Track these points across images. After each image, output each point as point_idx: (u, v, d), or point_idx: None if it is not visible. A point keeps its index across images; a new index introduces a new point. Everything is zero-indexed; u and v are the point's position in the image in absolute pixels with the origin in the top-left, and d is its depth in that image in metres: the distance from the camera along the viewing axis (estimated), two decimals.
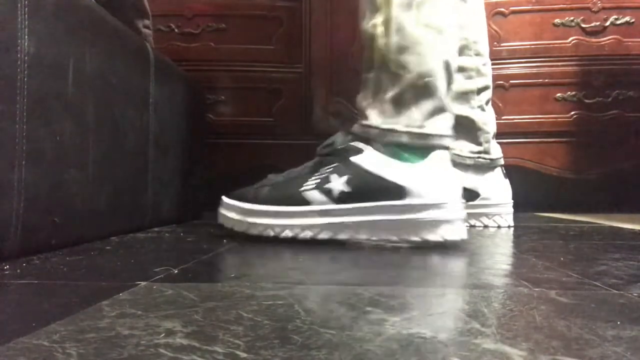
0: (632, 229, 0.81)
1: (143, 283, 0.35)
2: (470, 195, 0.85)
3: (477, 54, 0.94)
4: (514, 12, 1.30)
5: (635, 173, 1.31)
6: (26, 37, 0.45)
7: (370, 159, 0.59)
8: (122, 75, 0.66)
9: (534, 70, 1.30)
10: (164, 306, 0.29)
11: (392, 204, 0.58)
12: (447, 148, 0.61)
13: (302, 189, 0.60)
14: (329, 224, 0.59)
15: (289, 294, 0.32)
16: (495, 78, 1.29)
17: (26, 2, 0.45)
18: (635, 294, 0.33)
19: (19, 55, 0.45)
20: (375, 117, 0.60)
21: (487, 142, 0.92)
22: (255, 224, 0.60)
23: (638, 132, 1.27)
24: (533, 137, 1.30)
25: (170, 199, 0.85)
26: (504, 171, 0.94)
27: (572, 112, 1.29)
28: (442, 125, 0.61)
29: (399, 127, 0.59)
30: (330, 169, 0.60)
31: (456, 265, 0.46)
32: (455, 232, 0.58)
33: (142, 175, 0.74)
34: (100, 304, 0.29)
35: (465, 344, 0.23)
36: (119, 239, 0.62)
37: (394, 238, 0.58)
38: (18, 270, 0.40)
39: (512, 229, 0.85)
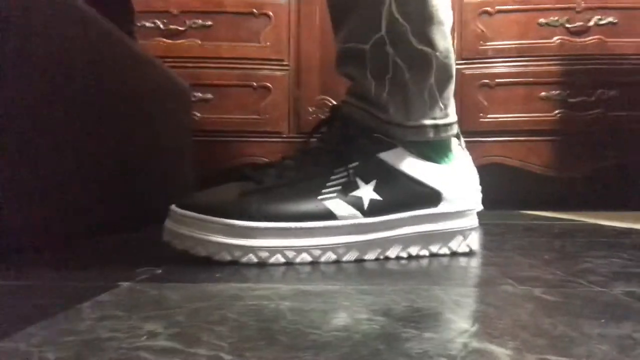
0: (614, 227, 0.82)
1: (126, 283, 0.35)
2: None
3: None
4: (499, 11, 1.31)
5: (618, 171, 1.33)
6: None
7: (404, 158, 0.48)
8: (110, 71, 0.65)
9: (519, 69, 1.31)
10: (146, 307, 0.28)
11: (429, 212, 0.49)
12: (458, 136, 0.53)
13: (322, 196, 0.46)
14: (357, 242, 0.46)
15: (275, 294, 0.32)
16: (481, 77, 1.31)
17: None
18: (619, 292, 0.33)
19: None
20: (397, 112, 0.49)
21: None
22: (257, 248, 0.43)
23: (620, 131, 1.29)
24: (518, 135, 1.31)
25: (157, 197, 0.84)
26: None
27: (556, 111, 1.31)
28: (454, 109, 0.52)
29: (426, 121, 0.49)
30: (352, 170, 0.47)
31: (439, 263, 0.46)
32: (477, 241, 0.52)
33: (123, 173, 0.73)
34: (82, 305, 0.29)
35: (451, 343, 0.23)
36: (104, 238, 0.61)
37: (424, 252, 0.49)
38: None
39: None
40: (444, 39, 0.48)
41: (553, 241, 0.63)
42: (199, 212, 0.43)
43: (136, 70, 0.76)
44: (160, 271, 0.40)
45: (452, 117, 0.51)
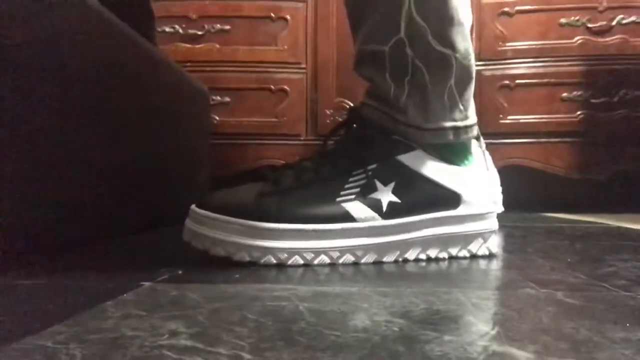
0: (639, 230, 0.81)
1: (147, 283, 0.35)
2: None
3: None
4: (519, 12, 1.29)
5: None
6: None
7: (424, 160, 0.48)
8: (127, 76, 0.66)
9: (540, 70, 1.29)
10: (167, 307, 0.29)
11: (448, 215, 0.48)
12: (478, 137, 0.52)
13: (340, 198, 0.46)
14: (375, 244, 0.46)
15: (294, 295, 0.32)
16: (500, 78, 1.29)
17: None
18: None
19: None
20: (416, 114, 0.48)
21: None
22: (276, 249, 0.44)
23: None
24: (539, 137, 1.29)
25: (173, 200, 0.85)
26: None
27: (578, 112, 1.28)
28: (474, 111, 0.52)
29: (446, 123, 0.49)
30: (371, 172, 0.47)
31: (459, 265, 0.45)
32: (498, 243, 0.52)
33: (147, 174, 0.74)
34: (105, 304, 0.29)
35: (471, 346, 0.22)
36: (125, 239, 0.62)
37: (444, 255, 0.49)
38: (24, 270, 0.40)
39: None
40: (464, 40, 0.48)
41: (575, 244, 0.62)
42: (218, 213, 0.44)
43: (155, 75, 0.77)
44: (180, 272, 0.40)
45: (472, 119, 0.51)
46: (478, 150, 0.51)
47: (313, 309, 0.29)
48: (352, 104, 1.27)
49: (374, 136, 0.48)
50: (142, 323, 0.25)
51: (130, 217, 0.68)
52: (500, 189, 0.53)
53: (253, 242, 0.43)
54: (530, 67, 1.29)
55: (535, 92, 1.29)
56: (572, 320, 0.27)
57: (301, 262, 0.44)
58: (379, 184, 0.46)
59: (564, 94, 1.28)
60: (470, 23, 0.49)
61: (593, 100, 1.27)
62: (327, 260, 0.44)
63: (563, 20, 1.29)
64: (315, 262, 0.44)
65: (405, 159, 0.48)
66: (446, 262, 0.47)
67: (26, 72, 0.45)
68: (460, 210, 0.49)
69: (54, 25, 0.49)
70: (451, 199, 0.48)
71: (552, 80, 1.29)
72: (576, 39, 1.28)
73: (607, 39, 1.28)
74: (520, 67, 1.30)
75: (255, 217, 0.44)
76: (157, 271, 0.40)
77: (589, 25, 1.28)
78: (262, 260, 0.43)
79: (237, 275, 0.39)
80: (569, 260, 0.49)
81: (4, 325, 0.26)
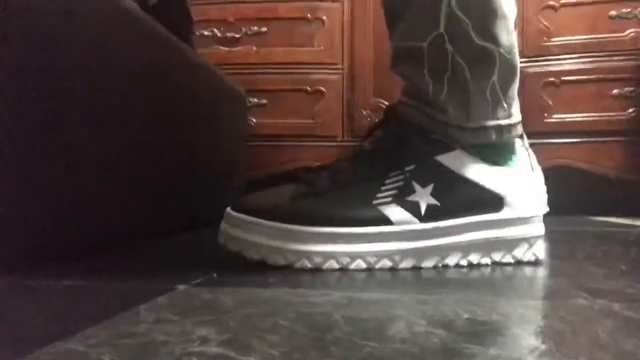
0: None
1: (182, 287, 0.35)
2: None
3: None
4: (564, 5, 1.24)
5: None
6: None
7: (464, 160, 0.46)
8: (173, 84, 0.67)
9: (588, 65, 1.23)
10: (200, 311, 0.28)
11: (491, 218, 0.46)
12: (522, 136, 0.50)
13: (377, 201, 0.44)
14: (413, 249, 0.44)
15: (329, 302, 0.31)
16: (545, 75, 1.24)
17: None
18: None
19: None
20: (456, 112, 0.46)
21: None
22: (311, 252, 0.43)
23: None
24: (587, 136, 1.23)
25: (212, 200, 0.86)
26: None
27: (630, 109, 1.21)
28: (518, 108, 0.49)
29: (489, 122, 0.47)
30: (409, 173, 0.45)
31: (503, 272, 0.43)
32: (544, 248, 0.49)
33: (184, 176, 0.75)
34: (138, 307, 0.29)
35: None
36: (161, 240, 0.62)
37: (486, 261, 0.46)
38: (60, 272, 0.41)
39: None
40: (508, 34, 0.45)
41: (629, 250, 0.58)
42: (252, 215, 0.43)
43: (194, 79, 0.78)
44: (215, 275, 0.40)
45: (516, 117, 0.48)
46: (522, 150, 0.48)
47: (348, 317, 0.27)
48: (387, 103, 1.25)
49: (411, 136, 0.46)
50: (174, 328, 0.25)
51: (167, 219, 0.69)
52: (544, 189, 0.49)
53: (287, 246, 0.42)
54: (577, 63, 1.23)
55: (583, 89, 1.23)
56: (632, 336, 0.24)
57: (337, 266, 0.43)
58: (417, 186, 0.45)
59: (615, 91, 1.22)
60: (515, 16, 0.47)
61: None
62: (363, 265, 0.43)
63: (613, 13, 1.22)
64: (352, 266, 0.43)
65: (445, 159, 0.46)
66: (489, 269, 0.45)
67: (69, 74, 0.46)
68: (503, 214, 0.46)
69: (97, 32, 0.50)
70: (494, 202, 0.46)
71: (602, 76, 1.22)
72: (628, 32, 1.21)
73: None
74: (566, 64, 1.24)
75: (289, 220, 0.43)
76: (192, 274, 0.40)
77: None
78: (297, 264, 0.42)
79: (272, 279, 0.38)
80: (623, 268, 0.46)
81: (36, 328, 0.26)
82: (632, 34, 1.21)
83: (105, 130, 0.52)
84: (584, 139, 1.23)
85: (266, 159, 1.29)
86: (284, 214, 0.43)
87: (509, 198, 0.46)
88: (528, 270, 0.44)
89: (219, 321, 0.26)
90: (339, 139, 1.30)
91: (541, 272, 0.43)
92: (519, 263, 0.46)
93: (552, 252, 0.56)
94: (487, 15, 0.44)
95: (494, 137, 0.47)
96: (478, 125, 0.46)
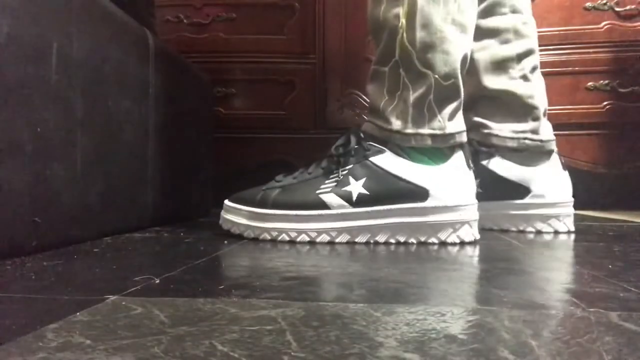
0: None
1: (112, 297, 0.30)
2: (517, 191, 0.71)
3: (514, 11, 0.74)
4: None
5: None
6: None
7: (392, 160, 0.58)
8: (117, 63, 0.61)
9: (563, 57, 1.21)
10: (121, 332, 0.23)
11: (414, 206, 0.57)
12: (465, 144, 0.60)
13: (319, 191, 0.57)
14: (347, 227, 0.57)
15: (282, 315, 0.26)
16: None
17: None
18: None
19: None
20: (397, 121, 0.58)
21: (535, 119, 0.73)
22: (269, 228, 0.57)
23: None
24: (562, 129, 1.21)
25: (173, 196, 0.80)
26: (562, 161, 0.75)
27: (605, 102, 1.20)
28: (460, 121, 0.60)
29: (424, 130, 0.58)
30: (347, 171, 0.58)
31: (481, 272, 0.39)
32: (471, 233, 0.58)
33: (140, 171, 0.69)
34: (47, 327, 0.24)
35: None
36: (112, 240, 0.57)
37: (412, 240, 0.58)
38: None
39: (572, 235, 0.69)
40: (446, 66, 0.57)
41: (612, 246, 0.55)
42: (237, 203, 0.60)
43: (152, 64, 0.72)
44: (157, 280, 0.35)
45: (451, 129, 0.58)
46: (459, 154, 0.59)
47: (303, 337, 0.23)
48: (361, 94, 1.20)
49: (353, 144, 0.59)
50: (79, 357, 0.20)
51: (123, 216, 0.63)
52: (473, 184, 0.60)
53: (254, 224, 0.59)
54: (552, 55, 1.21)
55: (557, 81, 1.21)
56: None
57: (287, 239, 0.57)
58: (352, 180, 0.57)
59: (590, 83, 1.20)
60: (465, 55, 0.58)
61: (621, 90, 1.19)
62: (307, 238, 0.57)
63: (588, 5, 1.21)
64: (298, 239, 0.57)
65: (376, 160, 0.58)
66: (464, 270, 0.41)
67: None
68: (428, 203, 0.57)
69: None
70: (419, 193, 0.57)
71: (577, 68, 1.21)
72: (603, 24, 1.20)
73: (637, 24, 1.19)
74: (541, 55, 1.21)
75: (258, 205, 0.59)
76: (132, 279, 0.34)
77: (617, 9, 1.19)
78: (261, 237, 0.58)
79: (222, 286, 0.33)
80: (610, 267, 0.42)
81: None
82: (607, 26, 1.20)
83: (38, 117, 0.46)
84: (559, 132, 1.21)
85: (236, 151, 1.23)
86: (255, 201, 0.59)
87: (432, 191, 0.57)
88: (514, 272, 0.40)
89: (140, 346, 0.21)
90: (311, 131, 1.25)
91: (527, 275, 0.39)
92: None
93: (530, 249, 0.52)
94: (427, 49, 0.57)
95: (429, 142, 0.58)
96: (414, 131, 0.58)
